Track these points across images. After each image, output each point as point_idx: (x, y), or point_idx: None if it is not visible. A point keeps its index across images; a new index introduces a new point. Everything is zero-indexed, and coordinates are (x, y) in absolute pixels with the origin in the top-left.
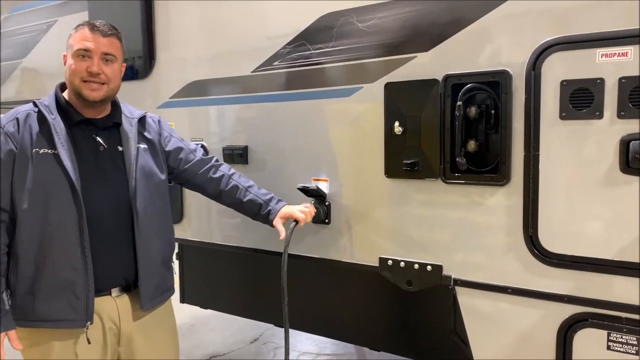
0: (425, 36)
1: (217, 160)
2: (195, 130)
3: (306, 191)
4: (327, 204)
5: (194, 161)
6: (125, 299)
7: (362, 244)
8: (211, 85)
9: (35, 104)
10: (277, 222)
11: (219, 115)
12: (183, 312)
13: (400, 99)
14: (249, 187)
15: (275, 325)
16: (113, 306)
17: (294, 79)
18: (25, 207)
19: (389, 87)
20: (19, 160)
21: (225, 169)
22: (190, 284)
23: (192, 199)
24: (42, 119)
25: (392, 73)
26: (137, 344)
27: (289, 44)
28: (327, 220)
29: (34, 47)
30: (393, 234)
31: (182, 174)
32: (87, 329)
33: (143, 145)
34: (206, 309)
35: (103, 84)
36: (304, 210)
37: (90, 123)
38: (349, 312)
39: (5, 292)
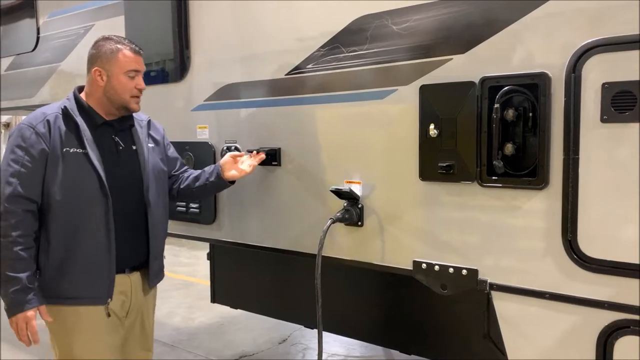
0: (462, 38)
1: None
2: (229, 133)
3: (339, 193)
4: (360, 206)
5: (181, 170)
6: (136, 276)
7: (395, 247)
8: (245, 88)
9: (61, 107)
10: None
11: (252, 118)
12: (212, 312)
13: (436, 102)
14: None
15: (305, 326)
16: (127, 282)
17: (328, 81)
18: (59, 199)
19: (424, 89)
20: (52, 159)
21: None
22: (222, 284)
23: (226, 200)
24: (68, 121)
25: (427, 75)
26: (141, 316)
27: (322, 46)
28: (360, 223)
29: (72, 51)
30: (427, 237)
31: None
32: (107, 304)
33: (151, 145)
34: (237, 309)
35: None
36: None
37: (110, 125)
38: (380, 315)
39: (35, 273)
